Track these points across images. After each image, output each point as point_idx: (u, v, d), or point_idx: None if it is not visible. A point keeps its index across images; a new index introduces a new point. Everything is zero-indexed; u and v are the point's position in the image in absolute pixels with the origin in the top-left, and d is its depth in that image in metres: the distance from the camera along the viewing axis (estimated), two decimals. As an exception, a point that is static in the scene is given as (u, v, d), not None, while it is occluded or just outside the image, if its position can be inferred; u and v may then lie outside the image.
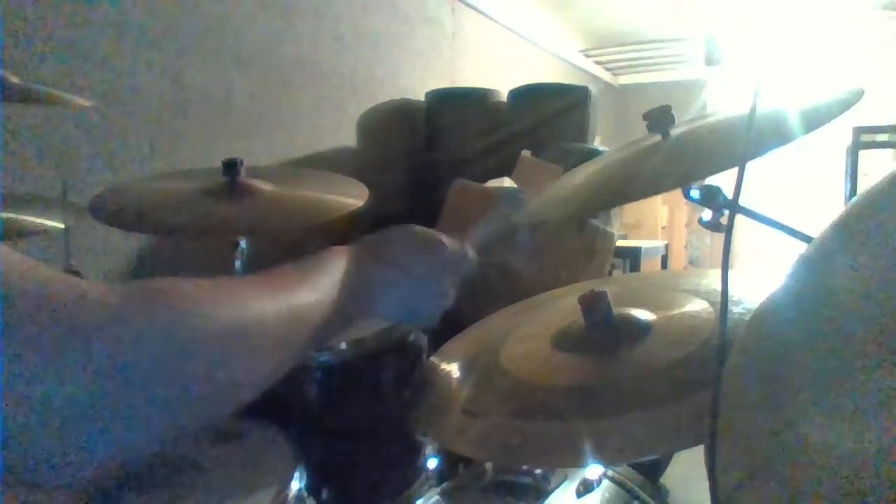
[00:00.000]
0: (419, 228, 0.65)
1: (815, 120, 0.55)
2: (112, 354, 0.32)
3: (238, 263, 1.17)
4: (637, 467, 0.83)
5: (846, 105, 0.55)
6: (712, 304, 0.70)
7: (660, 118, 0.69)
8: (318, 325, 0.49)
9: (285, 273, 0.51)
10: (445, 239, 0.64)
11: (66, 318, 0.31)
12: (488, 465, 0.81)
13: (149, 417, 0.35)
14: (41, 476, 0.31)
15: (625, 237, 3.34)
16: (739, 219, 0.55)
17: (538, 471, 0.76)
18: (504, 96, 2.50)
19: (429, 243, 0.63)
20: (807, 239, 0.56)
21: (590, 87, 2.43)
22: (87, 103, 1.02)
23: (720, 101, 5.21)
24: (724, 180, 0.58)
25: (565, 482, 0.77)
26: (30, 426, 0.30)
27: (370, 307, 0.58)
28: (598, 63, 5.22)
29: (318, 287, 0.50)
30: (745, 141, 0.50)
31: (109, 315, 0.33)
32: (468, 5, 3.06)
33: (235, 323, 0.41)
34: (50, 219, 1.00)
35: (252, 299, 0.44)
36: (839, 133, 3.22)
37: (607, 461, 0.73)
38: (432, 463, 0.95)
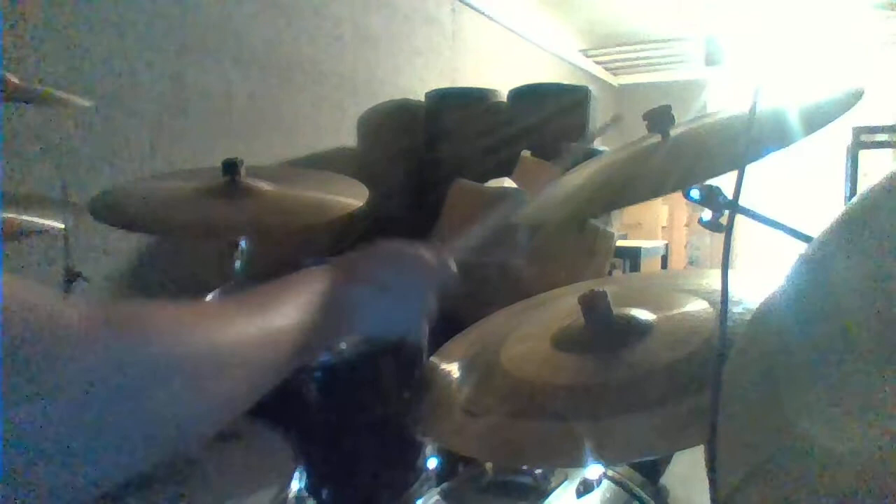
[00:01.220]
0: (398, 244, 0.64)
1: (815, 122, 0.55)
2: (85, 380, 0.33)
3: (238, 263, 1.17)
4: (637, 467, 0.83)
5: (846, 106, 0.55)
6: (712, 304, 0.70)
7: (660, 118, 0.69)
8: (294, 348, 0.49)
9: (260, 296, 0.50)
10: (427, 254, 0.64)
11: (40, 345, 0.31)
12: (488, 465, 0.81)
13: (125, 443, 0.35)
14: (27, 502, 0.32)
15: (625, 237, 3.34)
16: (739, 219, 0.55)
17: (538, 471, 0.76)
18: (504, 96, 2.50)
19: (407, 259, 0.63)
20: (807, 239, 0.56)
21: (590, 87, 2.43)
22: (87, 103, 1.02)
23: (720, 101, 5.21)
24: (724, 180, 0.58)
25: (565, 482, 0.77)
26: (12, 451, 0.30)
27: (349, 327, 0.58)
28: (598, 63, 5.22)
29: (293, 309, 0.50)
30: (746, 142, 0.50)
31: (83, 342, 0.33)
32: (468, 5, 3.06)
33: (209, 349, 0.41)
34: (50, 219, 1.00)
35: (227, 324, 0.44)
36: (839, 133, 3.22)
37: (607, 461, 0.73)
38: (432, 463, 0.95)
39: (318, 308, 0.52)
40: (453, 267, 0.66)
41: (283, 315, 0.49)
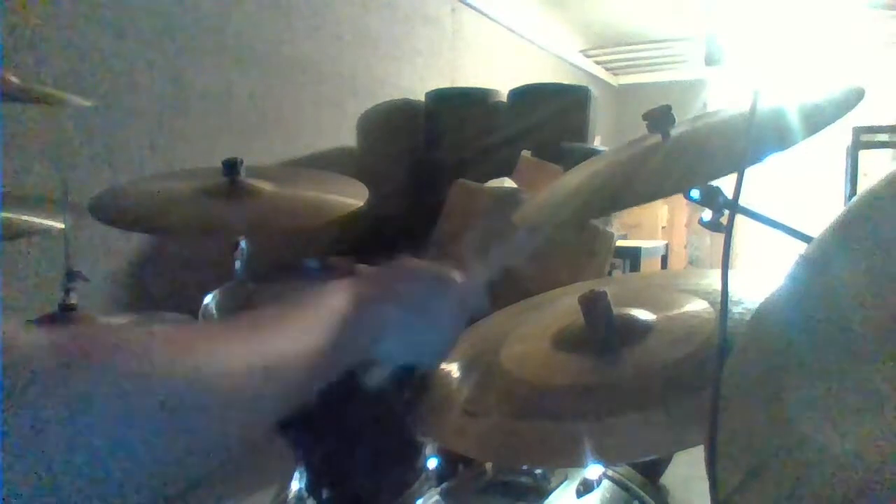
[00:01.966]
0: (429, 263, 0.58)
1: (815, 123, 0.55)
2: (45, 411, 0.30)
3: (238, 263, 1.17)
4: (637, 467, 0.83)
5: (846, 107, 0.55)
6: (712, 304, 0.70)
7: (660, 118, 0.69)
8: (301, 376, 0.45)
9: (263, 318, 0.46)
10: (457, 275, 0.58)
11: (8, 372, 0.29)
12: (488, 465, 0.81)
13: (93, 483, 0.32)
14: None
15: (625, 237, 3.34)
16: (739, 219, 0.55)
17: (538, 471, 0.76)
18: (504, 96, 2.50)
19: (438, 280, 0.57)
20: (807, 239, 0.56)
21: (590, 87, 2.43)
22: (87, 103, 1.02)
23: (720, 101, 5.21)
24: (724, 180, 0.58)
25: (565, 482, 0.77)
26: None
27: (368, 350, 0.53)
28: (598, 63, 5.22)
29: (303, 332, 0.46)
30: (746, 143, 0.50)
31: (44, 370, 0.31)
32: (468, 5, 3.06)
33: (193, 378, 0.37)
34: (50, 219, 1.00)
35: (217, 350, 0.40)
36: (839, 133, 3.22)
37: (607, 461, 0.73)
38: (432, 463, 0.95)
39: (335, 330, 0.47)
40: (483, 289, 0.62)
41: (289, 339, 0.44)
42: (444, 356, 0.60)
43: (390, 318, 0.53)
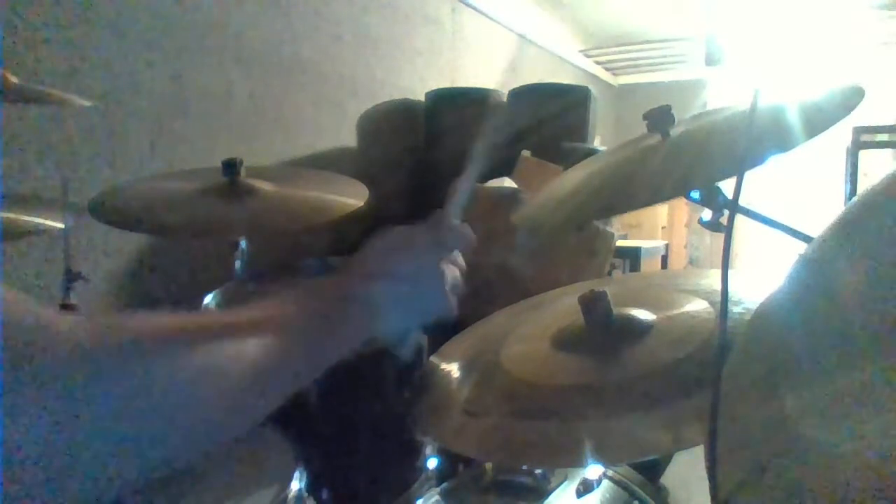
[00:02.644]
0: (398, 228, 0.60)
1: (817, 125, 0.55)
2: (79, 395, 0.32)
3: (238, 263, 1.17)
4: (637, 467, 0.83)
5: (847, 108, 0.55)
6: (712, 304, 0.70)
7: (660, 118, 0.69)
8: (304, 365, 0.47)
9: (263, 313, 0.48)
10: (433, 227, 0.61)
11: (35, 357, 0.30)
12: (488, 465, 0.81)
13: (117, 459, 0.34)
14: None
15: (625, 237, 3.34)
16: (739, 219, 0.55)
17: (538, 471, 0.76)
18: (504, 96, 2.50)
19: (412, 240, 0.59)
20: (807, 239, 0.56)
21: (590, 87, 2.43)
22: (87, 103, 1.02)
23: (720, 101, 5.20)
24: (724, 180, 0.58)
25: (565, 482, 0.77)
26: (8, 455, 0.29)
27: (374, 329, 0.55)
28: (598, 63, 5.22)
29: (295, 331, 0.48)
30: (745, 142, 0.50)
31: (78, 356, 0.32)
32: (468, 5, 3.06)
33: (210, 362, 0.39)
34: (50, 219, 1.00)
35: (228, 338, 0.42)
36: (839, 133, 3.22)
37: (607, 461, 0.73)
38: (432, 463, 0.95)
39: (331, 320, 0.50)
40: (465, 229, 0.63)
41: (290, 333, 0.46)
42: (446, 308, 0.60)
43: (380, 290, 0.54)
